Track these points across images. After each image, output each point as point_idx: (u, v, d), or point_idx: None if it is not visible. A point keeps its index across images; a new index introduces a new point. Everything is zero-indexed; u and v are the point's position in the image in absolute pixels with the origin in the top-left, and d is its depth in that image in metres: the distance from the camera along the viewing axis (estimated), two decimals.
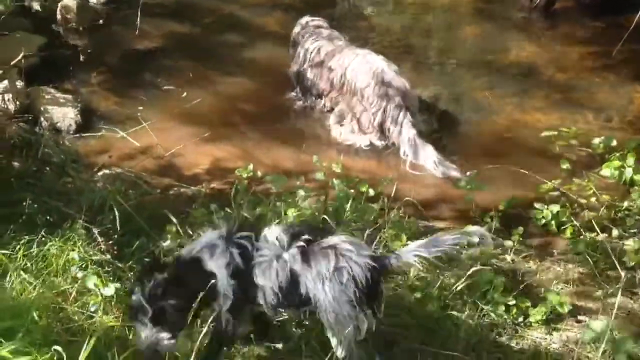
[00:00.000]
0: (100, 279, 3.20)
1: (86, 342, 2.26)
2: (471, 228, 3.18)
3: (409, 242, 3.53)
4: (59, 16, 6.28)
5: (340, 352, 2.79)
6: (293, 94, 5.52)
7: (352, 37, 5.66)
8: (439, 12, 7.02)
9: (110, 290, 3.18)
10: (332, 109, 5.27)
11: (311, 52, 5.33)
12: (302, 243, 2.73)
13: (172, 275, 2.72)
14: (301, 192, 3.80)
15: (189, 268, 2.77)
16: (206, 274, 2.73)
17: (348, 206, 3.76)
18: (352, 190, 3.87)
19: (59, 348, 2.32)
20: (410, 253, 2.79)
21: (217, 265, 2.74)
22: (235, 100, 5.42)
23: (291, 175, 4.23)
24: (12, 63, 4.93)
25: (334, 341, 2.80)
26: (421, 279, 3.40)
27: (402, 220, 3.80)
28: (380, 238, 3.60)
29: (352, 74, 5.09)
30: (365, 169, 4.70)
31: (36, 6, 6.19)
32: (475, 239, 2.94)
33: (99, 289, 3.16)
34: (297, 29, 5.54)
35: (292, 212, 3.63)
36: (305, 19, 5.56)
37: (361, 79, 5.03)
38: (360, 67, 5.08)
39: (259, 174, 4.24)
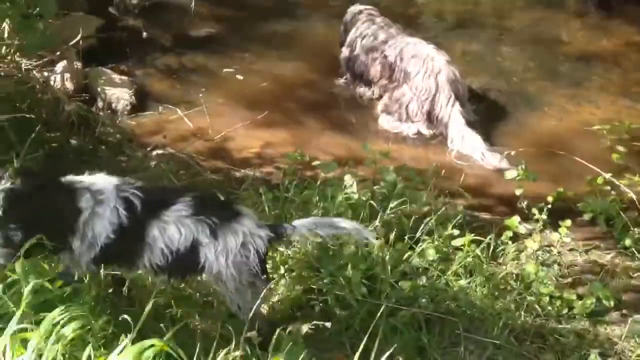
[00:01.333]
0: None
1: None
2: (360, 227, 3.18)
3: (454, 230, 3.59)
4: None
5: (242, 317, 2.91)
6: (342, 80, 5.56)
7: (402, 25, 5.63)
8: None
9: None
10: (380, 97, 5.29)
11: (363, 39, 5.36)
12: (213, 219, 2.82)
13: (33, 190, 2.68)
14: (349, 178, 3.84)
15: (58, 193, 2.75)
16: (73, 208, 2.73)
17: (395, 193, 3.79)
18: (399, 178, 3.89)
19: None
20: (304, 227, 2.98)
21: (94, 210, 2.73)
22: (287, 85, 5.48)
23: (340, 161, 4.28)
24: (70, 43, 5.10)
25: (233, 307, 2.96)
26: (465, 267, 3.43)
27: (449, 210, 3.81)
28: (424, 226, 3.63)
29: (402, 62, 5.11)
30: (412, 157, 4.73)
31: None
32: (361, 236, 3.10)
33: None
34: (348, 16, 5.58)
35: (340, 197, 3.68)
36: (358, 7, 5.58)
37: (411, 67, 5.05)
38: (411, 55, 5.09)
39: (308, 158, 4.31)
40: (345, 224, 3.09)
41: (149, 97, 5.31)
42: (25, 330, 2.34)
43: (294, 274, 3.40)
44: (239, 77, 5.52)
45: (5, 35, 4.63)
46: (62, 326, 2.34)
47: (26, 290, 2.42)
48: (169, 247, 2.80)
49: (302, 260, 3.44)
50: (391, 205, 3.64)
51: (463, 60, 5.70)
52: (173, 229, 2.79)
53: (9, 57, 4.60)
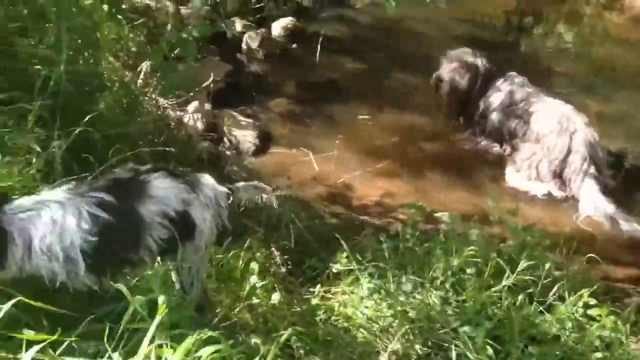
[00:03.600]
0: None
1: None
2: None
3: (589, 299, 3.42)
4: (244, 45, 6.73)
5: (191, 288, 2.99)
6: (467, 134, 5.51)
7: (533, 82, 5.54)
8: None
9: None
10: (510, 154, 5.20)
11: (499, 96, 5.31)
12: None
13: None
14: (474, 232, 3.75)
15: None
16: None
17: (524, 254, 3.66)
18: (528, 238, 3.76)
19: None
20: (243, 189, 3.20)
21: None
22: (410, 136, 5.50)
23: (463, 216, 4.19)
24: (203, 86, 5.40)
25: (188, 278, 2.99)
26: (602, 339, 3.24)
27: (580, 276, 3.63)
28: (555, 290, 3.47)
29: (537, 120, 5.02)
30: (541, 217, 4.56)
31: (229, 34, 6.62)
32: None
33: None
34: (481, 70, 5.51)
35: (464, 252, 3.59)
36: (486, 64, 5.54)
37: (546, 126, 4.95)
38: (548, 114, 5.01)
39: (429, 210, 4.26)
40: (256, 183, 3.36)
41: (272, 140, 5.47)
42: (160, 346, 2.36)
43: (413, 325, 3.33)
44: (364, 123, 5.61)
45: (142, 75, 4.96)
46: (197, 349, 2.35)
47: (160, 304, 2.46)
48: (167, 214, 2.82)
49: (422, 311, 3.37)
50: (520, 266, 3.51)
51: (600, 121, 5.47)
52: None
53: (148, 96, 4.91)
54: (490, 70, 5.48)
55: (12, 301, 2.31)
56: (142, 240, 2.78)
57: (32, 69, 3.87)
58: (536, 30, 7.34)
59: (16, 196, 2.85)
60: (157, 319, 2.32)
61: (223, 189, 3.06)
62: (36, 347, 2.20)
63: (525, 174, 4.99)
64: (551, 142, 4.89)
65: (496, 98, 5.36)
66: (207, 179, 3.04)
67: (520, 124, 5.15)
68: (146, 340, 2.29)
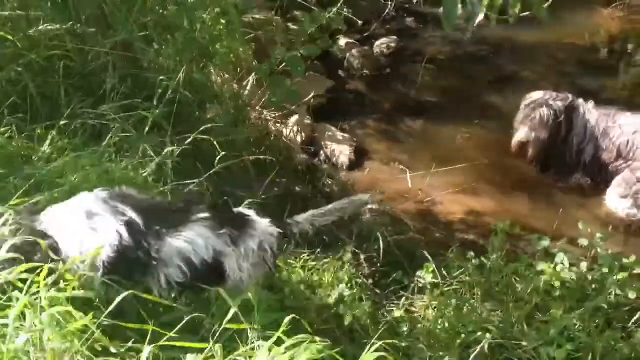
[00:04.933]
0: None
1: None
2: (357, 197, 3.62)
3: None
4: (346, 63, 6.94)
5: None
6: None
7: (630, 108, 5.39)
8: None
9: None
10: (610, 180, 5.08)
11: (588, 126, 5.19)
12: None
13: None
14: (561, 255, 3.76)
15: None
16: None
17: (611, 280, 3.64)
18: (617, 263, 3.73)
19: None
20: (306, 220, 3.23)
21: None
22: (502, 158, 5.50)
23: (551, 238, 4.20)
24: (304, 100, 5.66)
25: None
26: None
27: None
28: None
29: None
30: (634, 244, 4.47)
31: (335, 52, 6.84)
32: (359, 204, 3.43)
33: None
34: (557, 115, 5.21)
35: (549, 273, 3.62)
36: (563, 100, 5.27)
37: None
38: None
39: (517, 231, 4.29)
40: (338, 204, 3.40)
41: (367, 156, 5.65)
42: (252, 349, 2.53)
43: (494, 342, 3.39)
44: (460, 143, 5.69)
45: (249, 88, 5.29)
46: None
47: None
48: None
49: (503, 329, 3.43)
50: (607, 291, 3.50)
51: None
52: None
53: (254, 108, 5.24)
54: (571, 103, 5.23)
55: (125, 293, 2.55)
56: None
57: (153, 77, 4.23)
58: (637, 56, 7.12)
59: None
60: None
61: (274, 231, 3.11)
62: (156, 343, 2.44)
63: (632, 200, 4.86)
64: None
65: (586, 128, 5.19)
66: (255, 226, 3.05)
67: (621, 145, 5.03)
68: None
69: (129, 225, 2.76)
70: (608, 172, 5.11)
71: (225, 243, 2.90)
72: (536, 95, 5.30)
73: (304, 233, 3.33)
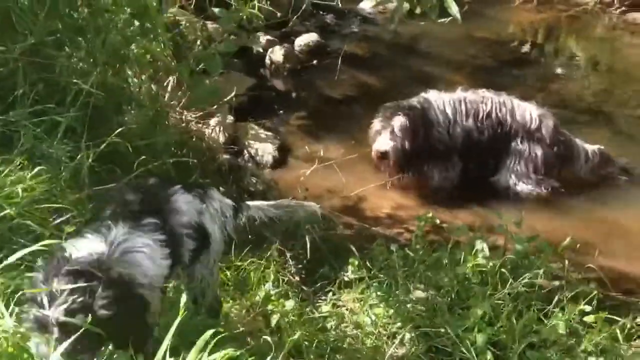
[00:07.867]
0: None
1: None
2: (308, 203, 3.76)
3: (586, 306, 3.53)
4: (267, 60, 6.95)
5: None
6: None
7: (543, 99, 5.65)
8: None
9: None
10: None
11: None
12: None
13: None
14: (479, 243, 3.89)
15: None
16: None
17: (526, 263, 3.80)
18: (531, 247, 3.89)
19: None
20: (256, 208, 3.38)
21: None
22: None
23: (470, 227, 4.34)
24: (225, 99, 5.61)
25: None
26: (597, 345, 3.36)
27: (581, 285, 3.75)
28: (556, 300, 3.59)
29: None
30: (547, 229, 4.61)
31: (254, 50, 6.82)
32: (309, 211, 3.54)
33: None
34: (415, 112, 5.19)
35: (470, 262, 3.74)
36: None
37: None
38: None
39: (438, 222, 4.42)
40: (288, 202, 3.57)
41: (290, 153, 5.67)
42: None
43: (418, 330, 3.48)
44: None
45: (169, 89, 5.20)
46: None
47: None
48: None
49: (427, 318, 3.52)
50: (522, 275, 3.64)
51: (609, 141, 5.58)
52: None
53: (174, 109, 5.14)
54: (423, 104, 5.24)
55: None
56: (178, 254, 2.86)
57: (65, 81, 4.09)
58: (547, 48, 7.46)
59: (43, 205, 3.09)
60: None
61: (228, 201, 3.23)
62: None
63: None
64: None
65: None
66: (213, 192, 3.20)
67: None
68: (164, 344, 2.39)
69: None
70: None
71: (199, 203, 3.01)
72: (389, 104, 5.27)
73: (252, 219, 3.39)
